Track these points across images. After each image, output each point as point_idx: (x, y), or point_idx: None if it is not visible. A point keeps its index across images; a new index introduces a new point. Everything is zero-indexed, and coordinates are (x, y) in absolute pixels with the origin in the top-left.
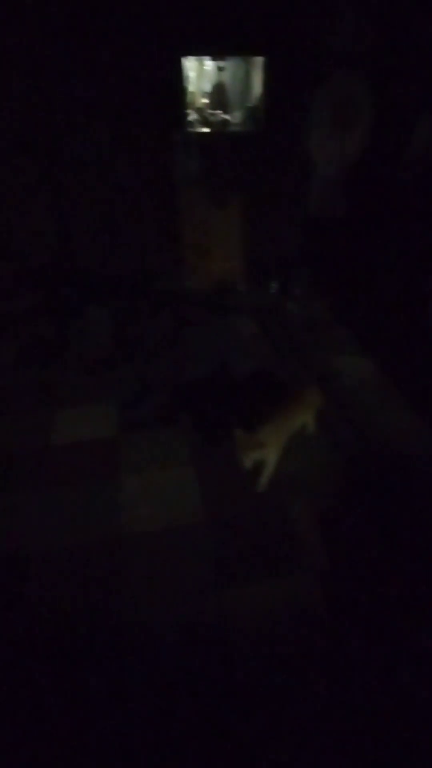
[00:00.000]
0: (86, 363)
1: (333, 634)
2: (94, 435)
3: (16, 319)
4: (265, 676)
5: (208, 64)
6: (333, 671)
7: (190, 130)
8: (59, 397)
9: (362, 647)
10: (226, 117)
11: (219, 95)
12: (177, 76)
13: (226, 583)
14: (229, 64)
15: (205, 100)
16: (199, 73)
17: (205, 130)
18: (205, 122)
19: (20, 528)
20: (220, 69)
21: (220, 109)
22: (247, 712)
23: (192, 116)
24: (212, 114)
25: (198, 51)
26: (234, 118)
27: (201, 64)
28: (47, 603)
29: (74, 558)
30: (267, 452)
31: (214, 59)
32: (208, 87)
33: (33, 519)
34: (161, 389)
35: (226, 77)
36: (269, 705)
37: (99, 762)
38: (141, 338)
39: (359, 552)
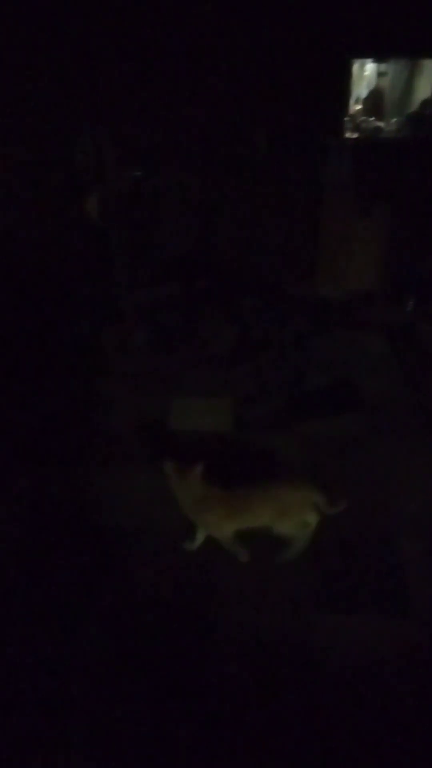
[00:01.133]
0: (209, 357)
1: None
2: (209, 427)
3: (151, 307)
4: (346, 712)
5: (368, 68)
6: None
7: (344, 136)
8: (180, 385)
9: None
10: (380, 124)
11: (375, 101)
12: (344, 80)
13: (325, 607)
14: (392, 69)
15: (359, 106)
16: (358, 78)
17: (355, 136)
18: (356, 128)
19: (131, 502)
20: (380, 74)
21: (374, 116)
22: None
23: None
24: (365, 120)
25: (372, 53)
26: (388, 125)
27: (361, 69)
28: (145, 577)
29: (176, 542)
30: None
31: (376, 61)
32: (364, 93)
33: (143, 496)
34: (280, 394)
35: (385, 83)
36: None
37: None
38: (267, 340)
39: None
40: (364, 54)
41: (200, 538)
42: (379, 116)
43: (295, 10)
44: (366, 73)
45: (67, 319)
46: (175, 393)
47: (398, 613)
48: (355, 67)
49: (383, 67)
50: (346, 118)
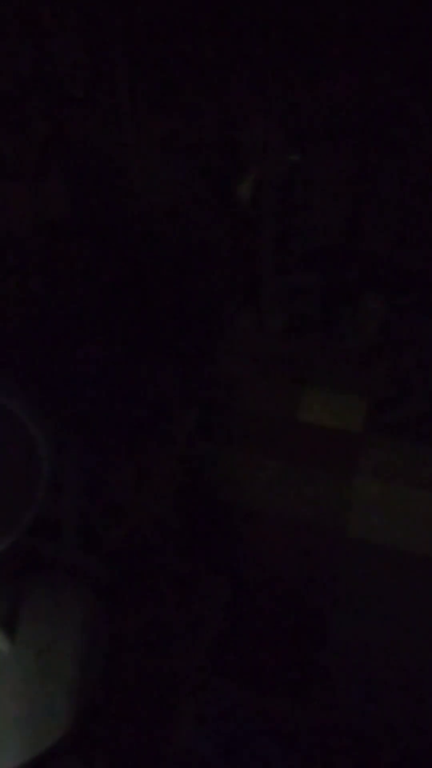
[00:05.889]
0: (347, 349)
1: None
2: (339, 424)
3: (290, 293)
4: None
5: None
6: None
7: None
8: (313, 376)
9: None
10: None
11: None
12: None
13: None
14: None
15: None
16: None
17: None
18: None
19: (254, 487)
20: None
21: None
22: None
23: None
24: None
25: None
26: None
27: None
28: (262, 566)
29: (295, 534)
30: None
31: None
32: None
33: (266, 484)
34: (424, 398)
35: None
36: None
37: None
38: (414, 338)
39: None
40: None
41: None
42: None
43: None
44: None
45: (207, 299)
46: (305, 383)
47: None
48: None
49: None
50: None
